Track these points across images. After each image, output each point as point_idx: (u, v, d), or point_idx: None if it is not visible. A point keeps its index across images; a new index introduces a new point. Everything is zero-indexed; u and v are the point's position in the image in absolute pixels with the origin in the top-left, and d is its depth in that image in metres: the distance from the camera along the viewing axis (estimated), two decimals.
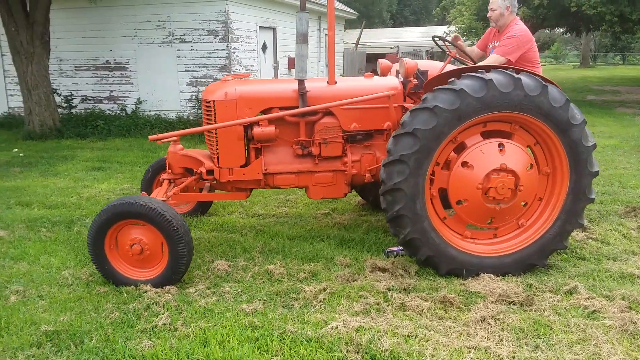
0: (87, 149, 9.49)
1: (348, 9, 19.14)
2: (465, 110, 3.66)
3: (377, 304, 3.51)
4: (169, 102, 11.76)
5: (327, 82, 4.54)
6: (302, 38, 4.27)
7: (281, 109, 4.41)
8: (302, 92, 4.35)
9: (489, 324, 3.25)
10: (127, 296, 3.67)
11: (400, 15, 35.21)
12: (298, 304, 3.54)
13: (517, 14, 4.77)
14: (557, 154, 3.91)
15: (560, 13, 17.80)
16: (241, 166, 4.48)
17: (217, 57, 11.17)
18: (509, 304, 3.51)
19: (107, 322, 3.32)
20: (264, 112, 4.44)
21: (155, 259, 3.88)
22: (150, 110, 11.84)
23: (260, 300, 3.59)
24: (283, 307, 3.53)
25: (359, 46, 20.92)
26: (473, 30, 21.36)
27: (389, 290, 3.72)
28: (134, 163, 8.30)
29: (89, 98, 12.41)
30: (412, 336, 3.12)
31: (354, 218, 5.35)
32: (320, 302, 3.56)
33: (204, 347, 3.05)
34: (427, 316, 3.38)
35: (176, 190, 4.47)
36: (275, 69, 12.77)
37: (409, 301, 3.53)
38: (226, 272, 4.07)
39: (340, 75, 18.05)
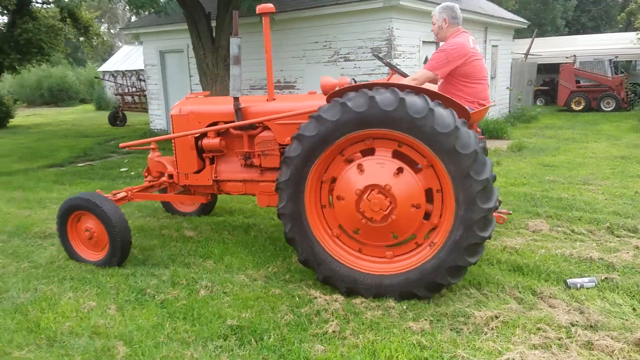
0: None
1: (517, 18, 18.06)
2: (346, 123, 3.71)
3: (559, 339, 3.21)
4: None
5: (267, 100, 4.97)
6: (234, 60, 4.67)
7: (225, 123, 4.94)
8: (236, 109, 4.80)
9: None
10: (299, 300, 3.89)
11: (576, 22, 32.13)
12: (467, 329, 3.40)
13: (459, 26, 4.37)
14: (445, 181, 3.64)
15: None
16: (195, 172, 5.18)
17: (379, 74, 11.38)
18: None
19: (282, 323, 3.55)
20: (211, 125, 5.03)
21: (101, 244, 4.75)
22: None
23: (426, 319, 3.53)
24: (451, 330, 3.42)
25: (529, 56, 19.63)
26: None
27: (572, 326, 3.38)
28: None
29: None
30: None
31: (527, 243, 4.97)
32: (492, 329, 3.37)
33: (373, 359, 3.09)
34: (618, 359, 2.99)
35: (130, 191, 5.26)
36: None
37: (597, 340, 3.17)
38: None
39: (507, 88, 17.10)
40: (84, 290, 4.22)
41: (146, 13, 11.97)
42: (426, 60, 12.62)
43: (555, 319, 3.44)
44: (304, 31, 12.25)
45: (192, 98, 5.43)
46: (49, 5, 20.59)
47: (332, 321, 3.54)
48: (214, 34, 11.26)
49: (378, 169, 3.83)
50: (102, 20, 45.91)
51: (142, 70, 18.07)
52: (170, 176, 5.40)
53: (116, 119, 18.64)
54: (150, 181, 5.64)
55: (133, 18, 17.68)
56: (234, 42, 4.66)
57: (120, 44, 44.59)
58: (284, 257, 4.87)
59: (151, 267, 4.71)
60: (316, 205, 4.07)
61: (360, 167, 3.87)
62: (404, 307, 3.74)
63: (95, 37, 21.77)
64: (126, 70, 23.94)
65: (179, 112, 5.19)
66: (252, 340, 3.36)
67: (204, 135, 5.05)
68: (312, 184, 3.97)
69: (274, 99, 4.97)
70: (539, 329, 3.34)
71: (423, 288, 3.75)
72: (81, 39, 22.18)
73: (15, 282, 4.42)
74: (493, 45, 15.85)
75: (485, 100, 4.28)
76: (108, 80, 23.73)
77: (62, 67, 35.87)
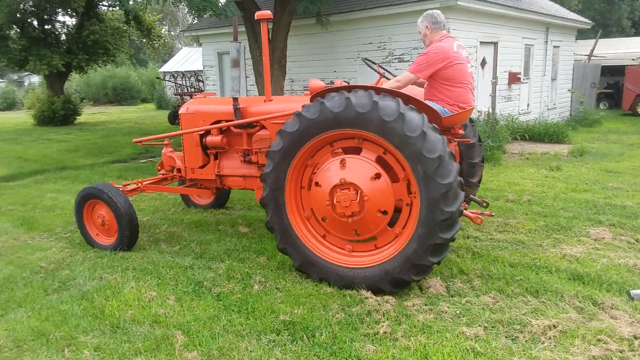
0: None
1: (580, 18, 17.31)
2: (322, 121, 3.93)
3: (621, 352, 3.08)
4: None
5: (265, 100, 5.28)
6: (234, 63, 5.05)
7: (227, 121, 5.28)
8: (235, 108, 5.16)
9: None
10: (350, 300, 3.92)
11: None
12: (524, 337, 3.32)
13: (442, 30, 4.56)
14: (412, 183, 3.81)
15: None
16: (200, 167, 5.59)
17: None
18: None
19: (334, 321, 3.59)
20: (215, 124, 5.37)
21: (113, 230, 5.19)
22: None
23: (480, 325, 3.47)
24: (506, 337, 3.35)
25: (592, 58, 18.79)
26: None
27: (635, 339, 3.24)
28: None
29: None
30: None
31: (589, 252, 4.78)
32: (549, 339, 3.27)
33: None
34: None
35: (141, 183, 5.69)
36: (494, 84, 12.26)
37: None
38: (443, 292, 4.03)
39: (569, 90, 16.44)
40: (145, 280, 4.43)
41: (206, 16, 12.32)
42: (483, 61, 12.38)
43: (617, 331, 3.30)
44: (359, 32, 12.27)
45: (200, 98, 5.88)
46: (114, 8, 21.63)
47: (384, 322, 3.55)
48: (270, 36, 11.45)
49: (358, 169, 4.00)
50: (163, 22, 47.63)
51: (201, 71, 18.66)
52: (179, 170, 5.86)
53: (175, 117, 19.32)
54: (163, 174, 6.08)
55: (194, 21, 18.25)
56: (233, 46, 4.99)
57: (180, 46, 46.17)
58: None
59: (208, 261, 4.88)
60: (295, 189, 4.32)
61: (343, 162, 4.05)
62: (457, 311, 3.69)
63: (157, 39, 22.67)
64: (185, 71, 24.77)
65: (187, 111, 5.66)
66: (304, 336, 3.42)
67: (208, 132, 5.45)
68: (292, 175, 4.22)
69: (271, 100, 5.28)
70: (599, 340, 3.22)
71: (387, 283, 3.93)
72: (143, 40, 23.14)
73: (81, 271, 4.69)
74: (554, 46, 15.27)
75: (465, 103, 4.40)
76: (168, 81, 24.63)
77: (126, 68, 37.61)
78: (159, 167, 6.20)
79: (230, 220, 6.23)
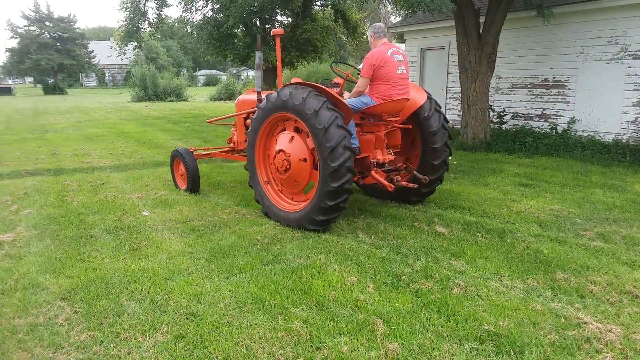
0: (514, 164, 9.74)
1: None
2: (275, 104, 5.76)
3: None
4: (607, 124, 10.76)
5: None
6: (257, 67, 6.82)
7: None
8: (258, 99, 6.86)
9: None
10: (565, 322, 3.52)
11: None
12: None
13: (383, 39, 5.99)
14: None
15: None
16: (244, 141, 7.13)
17: None
18: None
19: (546, 342, 3.26)
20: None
21: (185, 179, 7.67)
22: (583, 131, 11.15)
23: None
24: None
25: None
26: None
27: None
28: (562, 184, 7.98)
29: (520, 115, 12.69)
30: None
31: None
32: None
33: None
34: None
35: (210, 149, 8.51)
36: None
37: None
38: None
39: None
40: (346, 265, 4.62)
41: (419, 12, 12.32)
42: None
43: None
44: (585, 25, 10.99)
45: (249, 91, 7.93)
46: (325, 8, 23.11)
47: (607, 353, 3.10)
48: (480, 30, 10.96)
49: (284, 139, 5.86)
50: (366, 20, 49.37)
51: None
52: (233, 143, 7.95)
53: None
54: (231, 147, 8.05)
55: (397, 18, 18.47)
56: (258, 55, 6.71)
57: None
58: (545, 271, 4.47)
59: (404, 256, 4.87)
60: (263, 153, 6.25)
61: (276, 138, 6.01)
62: None
63: (361, 36, 23.58)
64: None
65: (237, 101, 7.82)
66: (511, 351, 3.17)
67: (248, 116, 7.28)
68: (261, 140, 6.17)
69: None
70: None
71: (307, 222, 5.56)
72: (347, 38, 24.28)
73: (291, 248, 5.10)
74: None
75: (388, 97, 5.79)
76: None
77: (328, 64, 40.06)
78: (228, 141, 8.31)
79: (427, 218, 6.14)
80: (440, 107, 6.55)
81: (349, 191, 5.39)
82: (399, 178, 6.10)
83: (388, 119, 6.10)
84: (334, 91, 5.68)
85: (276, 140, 5.99)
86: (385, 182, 5.76)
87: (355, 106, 5.92)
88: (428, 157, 6.45)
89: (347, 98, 6.08)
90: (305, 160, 5.63)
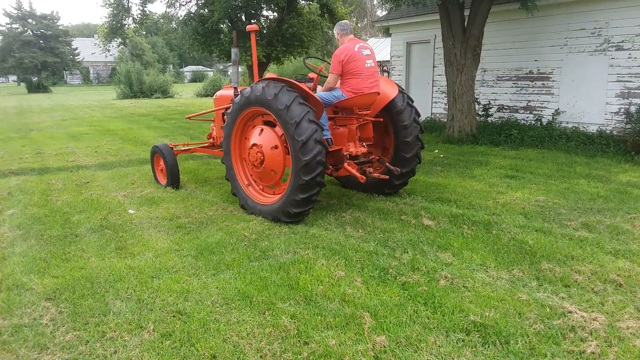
0: (499, 157, 9.81)
1: None
2: (249, 99, 5.91)
3: None
4: (591, 115, 10.88)
5: None
6: (234, 62, 6.87)
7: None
8: (235, 95, 6.74)
9: None
10: (550, 311, 3.56)
11: None
12: None
13: (349, 35, 6.17)
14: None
15: None
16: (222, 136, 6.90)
17: None
18: None
19: (531, 331, 3.29)
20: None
21: (165, 174, 7.73)
22: (567, 122, 11.25)
23: None
24: None
25: None
26: None
27: None
28: (547, 175, 8.06)
29: (505, 107, 12.77)
30: None
31: None
32: None
33: None
34: None
35: (190, 144, 8.50)
36: None
37: None
38: None
39: None
40: (333, 259, 4.63)
41: (404, 6, 12.32)
42: None
43: None
44: (569, 17, 11.08)
45: (227, 87, 8.05)
46: (311, 2, 23.02)
47: (591, 342, 3.14)
48: (465, 24, 10.99)
49: (254, 134, 6.07)
50: (352, 14, 49.32)
51: (387, 61, 18.84)
52: (212, 137, 8.23)
53: None
54: (211, 142, 8.30)
55: (382, 13, 18.47)
56: (234, 51, 6.77)
57: (366, 37, 47.35)
58: (530, 262, 4.52)
59: (391, 249, 4.89)
60: (240, 148, 6.40)
61: (248, 137, 6.26)
62: None
63: None
64: None
65: (215, 96, 8.02)
66: (497, 341, 3.20)
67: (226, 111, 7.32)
68: (236, 134, 6.33)
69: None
70: None
71: (281, 214, 5.70)
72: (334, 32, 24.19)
73: (278, 244, 5.09)
74: None
75: (358, 90, 5.93)
76: None
77: (315, 59, 39.96)
78: (208, 136, 8.50)
79: (413, 212, 6.17)
80: (412, 101, 6.68)
81: (321, 184, 5.53)
82: (372, 170, 6.25)
83: (359, 112, 6.20)
84: (306, 86, 5.78)
85: (248, 139, 6.21)
86: (358, 174, 5.89)
87: (327, 100, 6.02)
88: (400, 151, 6.59)
89: (319, 92, 6.15)
90: (276, 147, 5.78)
